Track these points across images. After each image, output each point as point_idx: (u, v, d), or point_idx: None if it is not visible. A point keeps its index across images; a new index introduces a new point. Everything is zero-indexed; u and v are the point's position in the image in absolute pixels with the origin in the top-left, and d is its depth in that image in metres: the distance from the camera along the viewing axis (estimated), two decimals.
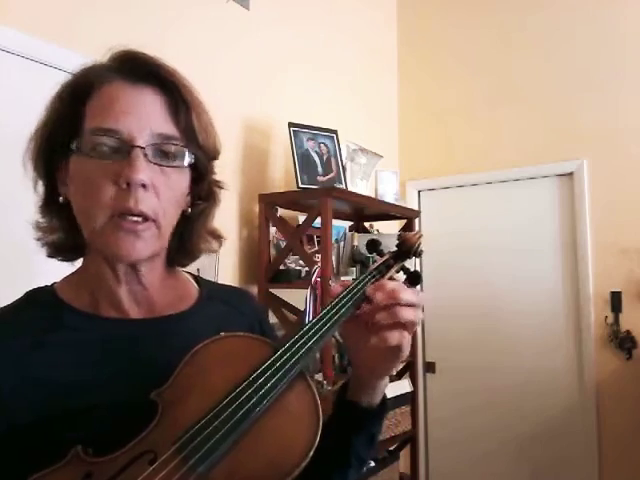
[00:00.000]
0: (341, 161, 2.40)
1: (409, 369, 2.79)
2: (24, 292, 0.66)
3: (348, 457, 0.67)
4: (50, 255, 0.67)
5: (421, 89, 3.46)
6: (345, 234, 2.54)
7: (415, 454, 2.83)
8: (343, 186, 2.35)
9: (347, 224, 2.73)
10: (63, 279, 0.68)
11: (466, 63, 3.27)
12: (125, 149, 0.57)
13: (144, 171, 0.56)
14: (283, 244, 2.23)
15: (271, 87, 2.45)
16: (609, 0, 2.83)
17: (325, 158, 2.34)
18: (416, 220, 2.87)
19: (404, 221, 2.83)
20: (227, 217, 2.15)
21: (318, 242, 2.37)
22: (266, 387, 0.51)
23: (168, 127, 0.60)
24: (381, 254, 0.71)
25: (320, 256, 2.11)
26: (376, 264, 0.69)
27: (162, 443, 0.48)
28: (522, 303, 3.02)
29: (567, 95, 2.92)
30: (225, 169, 0.71)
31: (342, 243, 2.49)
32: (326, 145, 2.37)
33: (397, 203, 2.74)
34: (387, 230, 2.95)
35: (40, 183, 0.64)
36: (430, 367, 3.30)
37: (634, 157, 2.72)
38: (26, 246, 1.58)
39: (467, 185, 3.26)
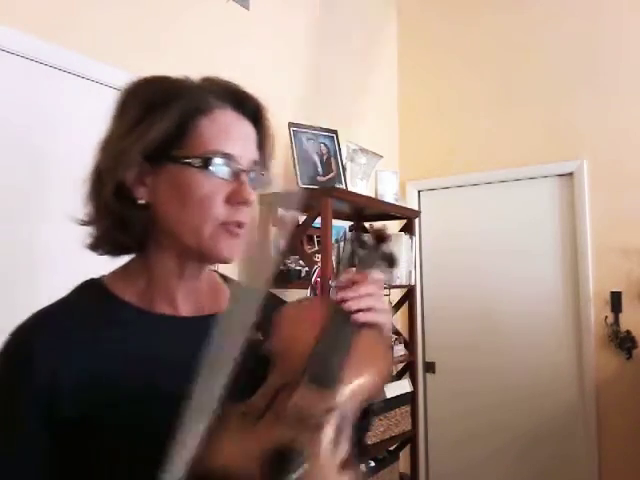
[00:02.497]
0: (341, 161, 2.40)
1: (409, 369, 2.80)
2: (75, 285, 0.69)
3: None
4: (94, 249, 0.69)
5: (421, 89, 3.46)
6: (345, 234, 2.54)
7: (415, 454, 2.82)
8: (343, 186, 2.35)
9: (347, 224, 2.73)
10: (112, 274, 0.71)
11: (466, 63, 3.27)
12: (234, 171, 0.65)
13: (253, 192, 0.66)
14: None
15: (271, 87, 2.45)
16: (611, 1, 2.83)
17: (325, 158, 2.34)
18: (416, 220, 2.87)
19: (404, 221, 2.83)
20: None
21: (318, 242, 2.37)
22: (348, 320, 0.63)
23: (258, 156, 0.70)
24: (364, 246, 0.80)
25: (320, 256, 2.11)
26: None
27: (290, 377, 0.56)
28: (522, 303, 3.01)
29: (567, 95, 2.92)
30: None
31: (342, 243, 2.49)
32: (326, 145, 2.37)
33: (397, 203, 2.74)
34: (387, 230, 2.95)
35: (108, 180, 0.64)
36: (430, 367, 3.29)
37: (634, 157, 2.72)
38: (29, 244, 1.58)
39: (467, 185, 3.26)
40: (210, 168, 0.63)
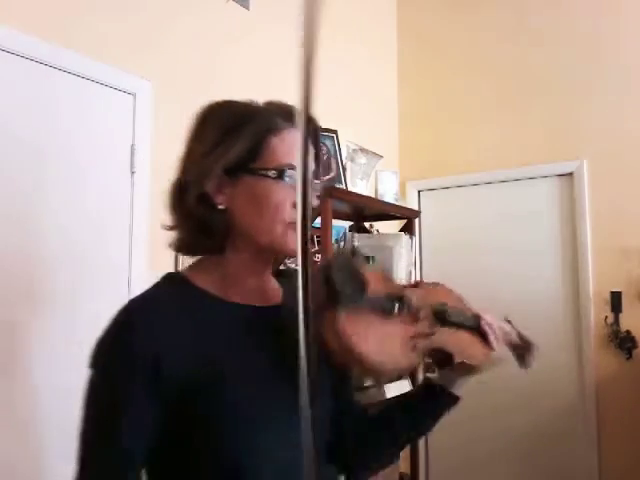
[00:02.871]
0: (341, 161, 2.40)
1: None
2: (161, 277, 0.80)
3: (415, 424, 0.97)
4: (178, 250, 0.80)
5: (421, 89, 3.46)
6: (345, 234, 2.54)
7: (415, 454, 2.82)
8: (343, 186, 2.35)
9: (347, 224, 2.73)
10: (189, 268, 0.81)
11: (466, 63, 3.27)
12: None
13: (315, 198, 0.82)
14: None
15: (271, 87, 2.45)
16: (610, 1, 2.83)
17: (325, 158, 2.34)
18: (416, 220, 2.87)
19: (404, 221, 2.83)
20: None
21: (318, 242, 2.37)
22: (477, 319, 0.95)
23: (313, 166, 0.84)
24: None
25: (320, 256, 2.11)
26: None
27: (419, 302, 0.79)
28: (522, 303, 3.01)
29: (567, 95, 2.92)
30: None
31: (342, 243, 2.49)
32: (326, 145, 2.37)
33: (397, 203, 2.74)
34: (387, 230, 2.95)
35: (192, 191, 0.74)
36: (430, 367, 3.29)
37: (634, 157, 2.72)
38: (28, 244, 1.57)
39: (467, 185, 3.26)
40: (284, 178, 0.75)
